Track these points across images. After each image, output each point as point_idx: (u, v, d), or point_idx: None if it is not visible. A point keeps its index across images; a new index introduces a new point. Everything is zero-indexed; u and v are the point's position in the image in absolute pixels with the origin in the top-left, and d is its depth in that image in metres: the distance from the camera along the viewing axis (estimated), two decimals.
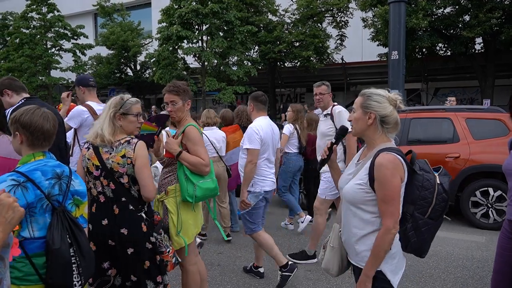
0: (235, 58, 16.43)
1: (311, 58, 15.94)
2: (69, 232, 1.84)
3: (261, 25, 16.86)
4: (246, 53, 16.76)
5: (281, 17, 17.34)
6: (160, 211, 2.94)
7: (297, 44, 16.34)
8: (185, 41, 15.67)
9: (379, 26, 13.39)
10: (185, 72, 17.06)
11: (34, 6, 19.42)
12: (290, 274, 3.75)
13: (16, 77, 4.41)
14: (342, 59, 17.28)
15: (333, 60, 17.32)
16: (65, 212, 1.87)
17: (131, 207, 2.46)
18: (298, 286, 3.94)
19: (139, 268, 2.48)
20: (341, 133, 2.28)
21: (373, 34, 14.30)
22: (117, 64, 21.27)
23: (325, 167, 4.24)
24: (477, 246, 5.02)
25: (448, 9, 12.77)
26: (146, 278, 2.50)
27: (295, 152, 5.72)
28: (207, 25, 15.50)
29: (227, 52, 15.84)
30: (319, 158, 4.41)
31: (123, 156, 2.41)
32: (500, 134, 5.75)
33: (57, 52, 20.15)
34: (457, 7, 12.46)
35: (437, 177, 1.96)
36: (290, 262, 3.83)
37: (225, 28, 15.77)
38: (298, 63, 16.63)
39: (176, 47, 16.09)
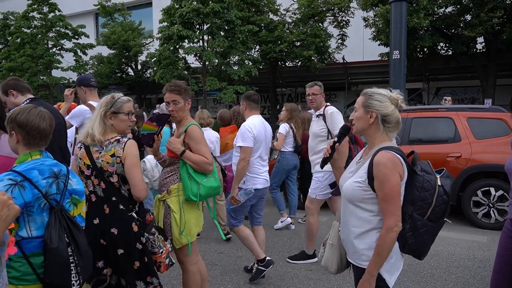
0: (236, 57, 16.40)
1: (312, 58, 15.91)
2: (67, 231, 1.83)
3: (262, 24, 16.84)
4: (247, 53, 16.72)
5: (282, 16, 17.31)
6: (161, 210, 2.93)
7: (298, 43, 16.32)
8: (186, 40, 15.65)
9: (380, 25, 13.34)
10: (186, 72, 17.04)
11: (35, 6, 19.41)
12: (265, 269, 3.92)
13: (17, 76, 4.43)
14: (343, 58, 17.24)
15: (334, 60, 17.28)
16: (62, 211, 1.86)
17: (122, 207, 2.45)
18: (299, 285, 3.94)
19: (130, 268, 2.47)
20: (343, 132, 2.28)
21: (374, 33, 14.26)
22: (118, 64, 21.25)
23: (318, 167, 4.28)
24: (479, 246, 5.00)
25: (449, 9, 12.74)
26: (136, 278, 2.49)
27: (290, 151, 5.82)
28: (208, 25, 15.48)
29: (228, 51, 15.82)
30: (311, 158, 4.44)
31: (113, 155, 2.41)
32: (501, 134, 5.74)
33: (58, 52, 20.14)
34: (458, 6, 12.42)
35: (439, 178, 1.95)
36: (268, 258, 3.96)
37: (226, 28, 15.75)
38: (299, 62, 16.60)
39: (177, 46, 16.07)
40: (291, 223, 5.86)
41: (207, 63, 16.00)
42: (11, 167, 1.98)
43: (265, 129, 3.99)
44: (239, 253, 4.84)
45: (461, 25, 12.67)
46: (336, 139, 2.27)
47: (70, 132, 3.88)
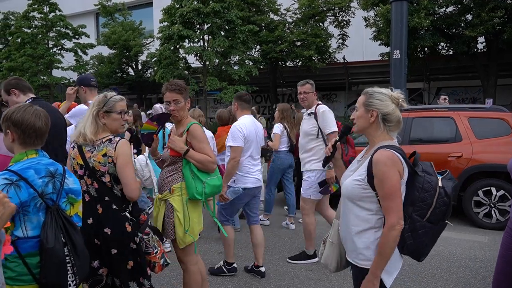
0: (237, 57, 16.41)
1: (313, 58, 15.92)
2: (63, 231, 1.81)
3: (263, 24, 16.84)
4: (248, 53, 16.73)
5: (283, 16, 17.31)
6: (162, 210, 2.91)
7: (299, 43, 16.32)
8: (186, 40, 15.66)
9: (381, 25, 13.34)
10: (186, 72, 17.05)
11: (36, 6, 19.46)
12: (225, 272, 4.11)
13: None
14: (343, 58, 17.24)
15: (335, 60, 17.28)
16: (59, 211, 1.84)
17: (115, 207, 2.44)
18: (299, 286, 3.92)
19: (123, 268, 2.46)
20: (345, 131, 2.28)
21: (375, 33, 14.26)
22: (119, 64, 21.28)
23: (308, 166, 4.27)
24: (480, 246, 4.98)
25: (450, 8, 12.73)
26: (129, 279, 2.47)
27: (285, 151, 5.88)
28: (209, 25, 15.49)
29: (229, 51, 15.83)
30: (301, 156, 4.44)
31: (104, 155, 2.39)
32: (502, 134, 5.72)
33: (59, 52, 20.19)
34: (459, 6, 12.42)
35: (440, 180, 1.93)
36: (234, 266, 4.15)
37: (227, 28, 15.75)
38: (300, 62, 16.60)
39: (178, 46, 16.08)
40: (291, 222, 5.87)
41: (207, 63, 16.00)
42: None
43: (256, 129, 4.03)
44: (239, 253, 4.83)
45: (462, 24, 12.66)
46: (337, 138, 2.28)
47: (70, 131, 3.87)
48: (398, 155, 1.89)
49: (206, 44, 16.17)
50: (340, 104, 19.51)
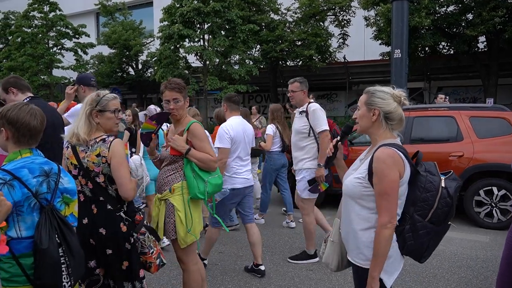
0: (237, 57, 16.38)
1: (313, 57, 15.87)
2: (58, 231, 1.78)
3: (263, 24, 16.80)
4: (248, 52, 16.69)
5: (283, 16, 17.27)
6: (162, 210, 2.88)
7: (299, 43, 16.27)
8: (186, 40, 15.63)
9: (382, 24, 13.31)
10: (186, 71, 17.02)
11: (36, 5, 19.43)
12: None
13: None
14: (344, 58, 17.20)
15: (335, 59, 17.23)
16: (53, 211, 1.81)
17: (109, 207, 2.41)
18: (300, 285, 3.90)
19: (118, 269, 2.43)
20: (346, 130, 2.27)
21: (375, 32, 14.22)
22: (119, 63, 21.25)
23: (301, 165, 4.25)
24: (481, 245, 4.96)
25: (451, 8, 12.69)
26: (124, 279, 2.45)
27: (277, 151, 5.93)
28: (209, 24, 15.46)
29: (229, 51, 15.80)
30: (294, 154, 4.42)
31: (98, 155, 2.36)
32: (504, 133, 5.70)
33: (59, 51, 20.15)
34: (460, 5, 12.38)
35: (443, 180, 1.90)
36: (205, 262, 4.13)
37: (227, 27, 15.72)
38: (300, 62, 16.56)
39: (178, 46, 16.05)
40: (291, 220, 5.88)
41: (207, 62, 15.98)
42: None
43: (244, 130, 4.04)
44: (239, 253, 4.81)
45: (463, 24, 12.63)
46: (339, 138, 2.27)
47: (67, 130, 3.86)
48: (400, 153, 1.87)
49: (206, 43, 16.14)
50: (341, 104, 19.49)
